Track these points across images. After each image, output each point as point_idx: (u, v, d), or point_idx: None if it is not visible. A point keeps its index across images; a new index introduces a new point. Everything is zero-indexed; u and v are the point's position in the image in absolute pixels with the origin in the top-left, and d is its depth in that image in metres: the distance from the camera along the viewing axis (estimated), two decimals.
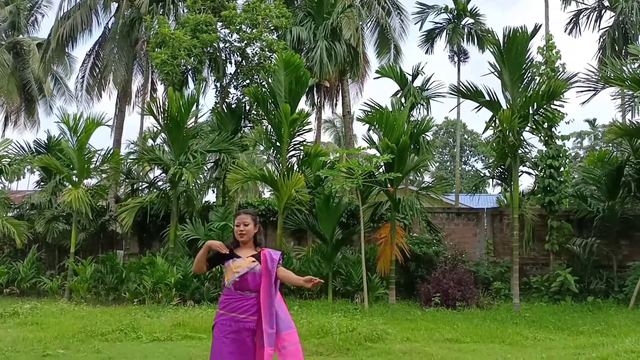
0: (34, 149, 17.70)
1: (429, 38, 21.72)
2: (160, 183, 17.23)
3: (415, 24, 22.59)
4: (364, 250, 13.49)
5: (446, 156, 48.15)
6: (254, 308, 4.27)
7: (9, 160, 16.89)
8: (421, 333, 9.50)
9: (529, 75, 13.46)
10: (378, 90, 51.01)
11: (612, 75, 13.30)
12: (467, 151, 48.39)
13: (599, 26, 21.23)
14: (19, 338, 8.40)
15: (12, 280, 15.67)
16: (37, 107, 29.95)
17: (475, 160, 49.16)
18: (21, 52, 28.03)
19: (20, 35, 29.04)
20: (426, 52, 21.79)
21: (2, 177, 17.06)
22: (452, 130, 43.43)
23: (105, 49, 21.21)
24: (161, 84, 19.80)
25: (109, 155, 16.15)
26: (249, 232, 4.38)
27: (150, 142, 20.05)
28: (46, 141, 17.65)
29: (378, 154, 14.08)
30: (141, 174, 18.56)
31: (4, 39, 28.87)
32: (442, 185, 16.58)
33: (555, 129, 14.68)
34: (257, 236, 4.44)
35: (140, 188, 17.67)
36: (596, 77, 13.81)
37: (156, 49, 17.01)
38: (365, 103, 16.06)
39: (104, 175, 17.14)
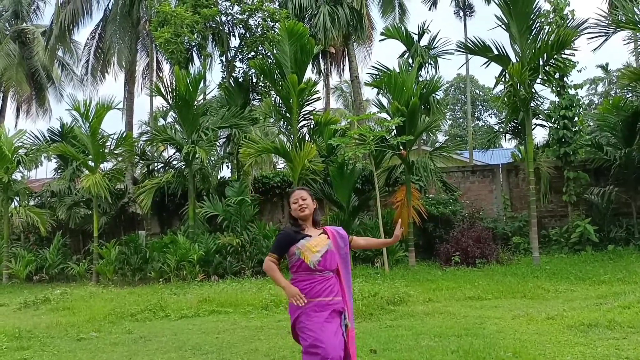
0: (48, 138, 17.91)
1: None
2: (175, 162, 17.41)
3: None
4: (380, 214, 13.57)
5: (459, 113, 47.64)
6: (336, 288, 3.96)
7: (26, 150, 17.14)
8: (443, 293, 9.62)
9: (538, 25, 13.15)
10: (386, 52, 50.35)
11: (623, 18, 12.94)
12: (480, 106, 47.80)
13: None
14: (53, 323, 8.68)
15: (41, 267, 16.12)
16: (47, 95, 30.11)
17: (488, 115, 48.62)
18: (26, 41, 28.05)
19: (24, 24, 29.01)
20: (429, 9, 21.36)
21: (21, 167, 17.33)
22: (463, 86, 42.80)
23: (107, 31, 21.12)
24: (167, 63, 19.77)
25: (122, 139, 16.29)
26: (310, 206, 4.02)
27: (161, 121, 20.18)
28: (60, 129, 17.84)
29: (389, 118, 14.00)
30: (155, 154, 18.73)
31: (8, 28, 28.87)
32: (455, 144, 16.48)
33: (567, 78, 14.40)
34: (317, 213, 4.12)
35: (156, 168, 17.86)
36: (607, 22, 13.45)
37: (159, 28, 16.91)
38: (372, 66, 15.90)
39: (119, 159, 17.33)
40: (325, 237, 4.00)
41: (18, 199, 17.20)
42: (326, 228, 4.10)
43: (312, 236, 3.97)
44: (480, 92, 46.61)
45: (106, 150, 16.14)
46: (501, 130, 17.24)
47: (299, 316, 3.87)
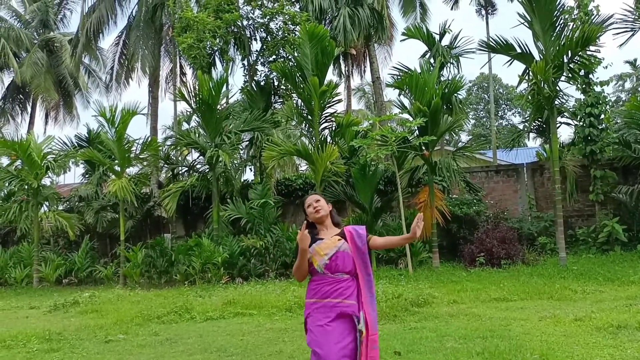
0: (76, 143, 18.28)
1: None
2: (199, 166, 17.61)
3: None
4: (403, 215, 13.52)
5: (482, 112, 47.15)
6: (349, 291, 3.79)
7: (54, 156, 17.53)
8: (467, 294, 9.54)
9: (561, 22, 12.95)
10: (407, 52, 50.01)
11: None
12: (503, 105, 47.24)
13: None
14: (82, 326, 8.87)
15: (70, 271, 16.49)
16: (74, 102, 30.74)
17: (512, 114, 48.02)
18: (54, 49, 28.68)
19: (51, 32, 29.66)
20: (451, 8, 21.20)
21: (50, 173, 17.73)
22: (486, 85, 42.36)
23: (131, 38, 21.47)
24: (190, 68, 20.00)
25: (147, 143, 16.55)
26: (324, 207, 3.95)
27: (185, 125, 20.43)
28: (86, 135, 18.20)
29: (411, 119, 13.94)
30: (180, 158, 18.98)
31: (36, 37, 29.57)
32: (479, 144, 16.33)
33: (593, 75, 14.16)
34: (333, 215, 4.03)
35: (180, 172, 18.09)
36: (633, 17, 13.20)
37: (181, 34, 17.14)
38: (393, 67, 15.88)
39: (144, 163, 17.61)
40: (337, 239, 3.87)
41: (47, 204, 17.61)
42: (346, 228, 3.97)
43: (324, 239, 3.90)
44: (504, 91, 46.07)
45: (132, 155, 16.42)
46: (525, 129, 17.01)
47: (307, 315, 3.85)
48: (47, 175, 17.49)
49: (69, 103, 30.49)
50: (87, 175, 19.23)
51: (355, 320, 3.74)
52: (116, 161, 15.97)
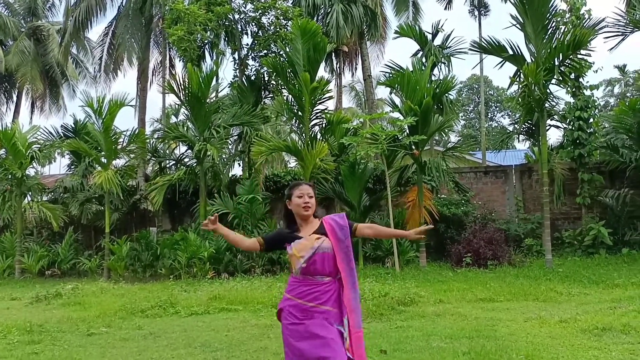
0: (62, 134, 18.04)
1: None
2: (186, 159, 17.42)
3: None
4: (392, 214, 13.51)
5: (472, 113, 47.34)
6: (326, 295, 3.52)
7: (39, 146, 17.28)
8: (454, 294, 9.54)
9: (553, 25, 13.02)
10: (399, 51, 50.10)
11: None
12: (493, 107, 47.46)
13: None
14: (64, 318, 8.73)
15: (53, 262, 16.25)
16: (61, 92, 30.38)
17: (502, 116, 48.25)
18: (41, 38, 28.29)
19: (39, 21, 29.26)
20: (445, 8, 21.22)
21: (34, 163, 17.47)
22: (477, 86, 42.53)
23: (119, 28, 21.23)
24: (179, 60, 19.83)
25: (134, 135, 16.36)
26: (314, 206, 3.65)
27: (173, 118, 20.24)
28: (73, 125, 17.97)
29: (401, 117, 13.92)
30: (167, 151, 18.78)
31: (23, 25, 29.14)
32: (468, 144, 16.37)
33: (583, 79, 14.23)
34: (315, 211, 3.73)
35: (167, 165, 17.91)
36: (624, 21, 13.27)
37: (172, 26, 16.95)
38: (385, 65, 15.84)
39: (131, 155, 17.41)
40: (314, 238, 3.57)
41: (31, 195, 17.34)
42: (325, 219, 3.66)
43: (303, 237, 3.61)
44: (494, 93, 46.29)
45: (119, 147, 16.22)
46: (515, 131, 17.08)
47: (281, 309, 3.65)
48: (31, 166, 17.23)
49: (56, 93, 30.12)
50: (72, 167, 18.98)
51: (336, 327, 3.49)
52: (102, 153, 15.77)
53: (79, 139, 16.44)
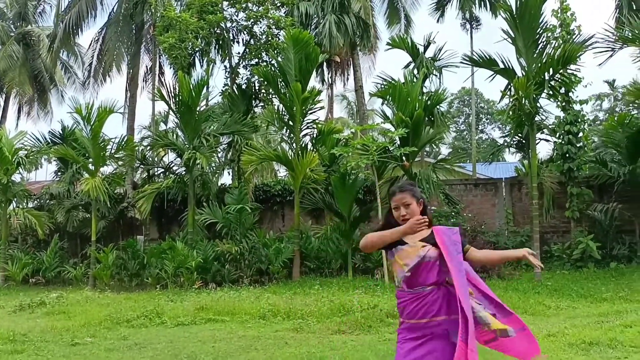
0: (49, 140, 17.83)
1: (440, 5, 21.25)
2: (175, 168, 17.32)
3: None
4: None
5: (463, 126, 47.64)
6: (436, 305, 3.21)
7: (26, 152, 17.06)
8: None
9: (544, 40, 13.10)
10: (391, 62, 50.42)
11: (630, 34, 12.89)
12: (484, 120, 47.82)
13: None
14: (48, 327, 8.57)
15: (37, 270, 16.01)
16: (49, 97, 30.12)
17: (492, 129, 48.60)
18: (31, 43, 28.08)
19: (29, 26, 29.06)
20: (437, 21, 21.36)
21: (21, 169, 17.25)
22: (468, 99, 42.83)
23: (109, 34, 21.12)
24: (170, 67, 19.75)
25: (123, 143, 16.21)
26: (414, 214, 3.27)
27: (162, 125, 20.14)
28: (60, 131, 17.78)
29: (392, 129, 13.92)
30: (156, 159, 18.66)
31: (13, 30, 28.93)
32: (459, 156, 16.41)
33: (573, 93, 14.33)
34: (425, 214, 3.33)
35: (156, 173, 17.77)
36: (613, 37, 13.39)
37: (163, 33, 16.90)
38: (377, 76, 15.87)
39: (119, 163, 17.25)
40: (421, 245, 3.25)
41: (16, 201, 17.09)
42: (435, 229, 3.31)
43: (407, 243, 3.28)
44: (485, 106, 46.64)
45: (107, 154, 16.05)
46: (505, 144, 17.16)
47: (399, 333, 3.33)
48: (17, 172, 17.00)
49: (44, 98, 29.86)
50: (59, 173, 18.76)
51: (452, 338, 3.16)
52: (90, 159, 15.60)
53: (67, 145, 16.28)
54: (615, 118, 15.04)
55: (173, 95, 15.40)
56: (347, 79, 24.79)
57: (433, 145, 18.99)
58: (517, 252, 3.33)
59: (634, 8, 17.41)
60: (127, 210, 17.48)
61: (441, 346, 3.20)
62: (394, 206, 3.36)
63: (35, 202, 18.22)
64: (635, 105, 15.70)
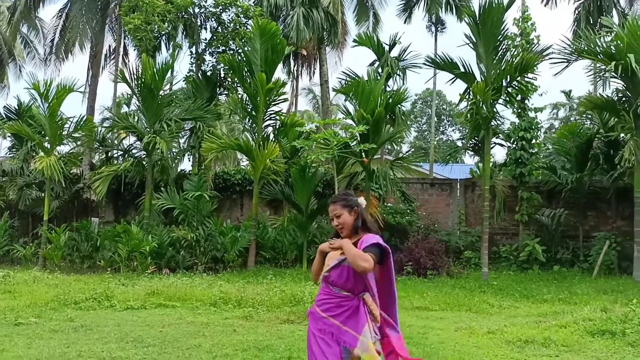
0: (4, 115, 17.30)
1: (407, 7, 21.59)
2: (135, 151, 17.07)
3: None
4: None
5: (424, 126, 48.36)
6: (338, 310, 3.42)
7: None
8: None
9: (504, 47, 13.53)
10: (358, 59, 50.72)
11: (585, 47, 13.42)
12: (445, 121, 48.65)
13: None
14: None
15: None
16: (7, 71, 29.07)
17: (452, 130, 49.52)
18: None
19: None
20: (404, 22, 21.67)
21: None
22: (431, 99, 43.52)
23: (73, 10, 20.60)
24: (134, 49, 19.42)
25: (81, 122, 15.90)
26: (346, 223, 3.50)
27: (125, 108, 19.79)
28: (16, 107, 17.26)
29: (354, 125, 14.12)
30: (116, 141, 18.34)
31: None
32: (417, 156, 16.75)
33: (529, 101, 14.87)
34: (362, 221, 3.55)
35: (115, 156, 17.49)
36: (570, 50, 13.90)
37: (129, 14, 16.61)
38: (343, 72, 16.04)
39: (77, 143, 16.91)
40: (339, 252, 3.46)
41: None
42: (363, 237, 3.47)
43: None
44: (447, 107, 47.47)
45: (64, 133, 15.72)
46: (462, 146, 17.63)
47: (308, 313, 3.63)
48: None
49: (1, 72, 28.81)
50: (13, 150, 18.25)
51: (341, 344, 3.37)
52: (47, 138, 15.25)
53: (22, 121, 15.81)
54: (567, 127, 15.64)
55: (136, 77, 15.20)
56: (314, 72, 24.92)
57: (394, 143, 19.23)
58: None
59: (591, 22, 18.11)
60: (82, 191, 17.17)
61: (336, 348, 3.38)
62: (330, 217, 3.61)
63: None
64: (588, 116, 16.33)
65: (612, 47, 13.05)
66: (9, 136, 18.45)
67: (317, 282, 3.71)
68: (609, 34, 14.06)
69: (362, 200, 3.63)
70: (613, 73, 12.67)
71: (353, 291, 3.43)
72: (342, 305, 3.41)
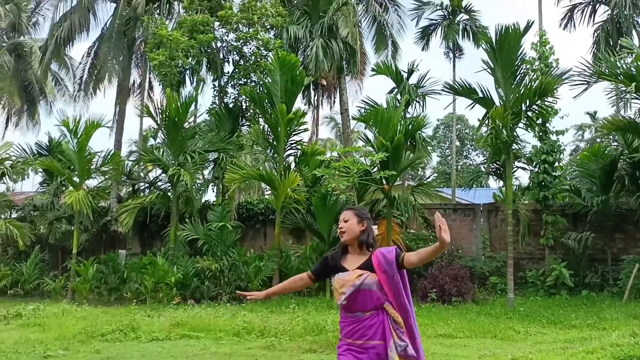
0: (35, 151, 17.92)
1: (425, 35, 21.81)
2: (160, 183, 17.46)
3: (412, 20, 22.67)
4: None
5: (447, 150, 48.19)
6: (371, 330, 3.41)
7: (11, 162, 17.14)
8: None
9: (522, 71, 13.55)
10: (378, 86, 51.02)
11: (605, 70, 13.36)
12: (469, 145, 48.42)
13: (594, 20, 21.26)
14: (21, 339, 8.63)
15: (16, 282, 15.95)
16: (38, 109, 30.16)
17: (476, 155, 49.21)
18: (22, 54, 28.22)
19: (22, 37, 29.23)
20: (422, 49, 21.88)
21: (5, 179, 17.30)
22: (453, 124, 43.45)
23: (102, 49, 21.39)
24: (159, 84, 20.01)
25: (109, 157, 16.36)
26: (350, 229, 3.52)
27: (151, 140, 20.33)
28: (47, 143, 17.89)
29: (374, 152, 14.23)
30: (142, 174, 18.77)
31: (5, 40, 29.08)
32: (439, 181, 16.71)
33: (550, 124, 14.76)
34: (366, 236, 3.54)
35: (141, 188, 17.89)
36: (590, 72, 13.86)
37: (154, 50, 17.19)
38: (362, 100, 16.25)
39: (105, 176, 17.36)
40: (357, 274, 3.44)
41: None
42: (374, 254, 3.48)
43: (349, 270, 3.50)
44: (469, 132, 47.30)
45: (92, 167, 16.18)
46: (484, 170, 17.55)
47: (339, 347, 3.54)
48: (2, 182, 17.06)
49: (33, 109, 29.89)
50: (44, 185, 18.82)
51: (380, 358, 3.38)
52: (76, 172, 15.72)
53: (53, 157, 16.38)
54: (591, 149, 15.46)
55: (160, 111, 15.64)
56: (334, 101, 25.19)
57: (418, 168, 19.29)
58: (437, 245, 3.26)
59: (611, 44, 18.04)
60: (110, 224, 17.55)
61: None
62: (339, 221, 3.63)
63: (19, 212, 18.21)
64: (611, 138, 16.14)
65: (632, 68, 12.98)
66: (40, 172, 19.03)
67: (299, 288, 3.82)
68: (629, 55, 13.99)
69: (374, 226, 3.69)
70: (634, 94, 12.57)
71: (375, 308, 3.46)
72: (371, 325, 3.42)
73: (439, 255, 12.38)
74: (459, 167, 43.15)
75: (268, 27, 18.25)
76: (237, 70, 18.07)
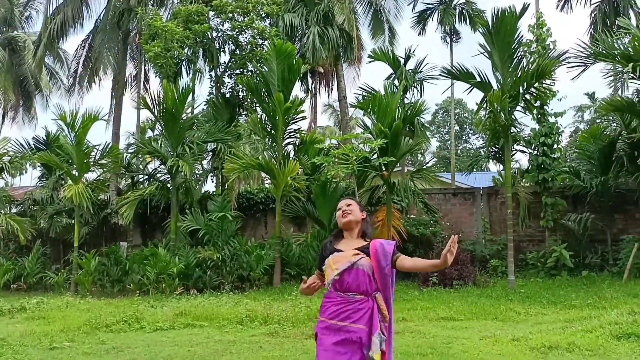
0: (33, 146, 17.89)
1: (421, 19, 21.74)
2: (159, 175, 17.46)
3: (408, 4, 22.56)
4: None
5: (447, 135, 48.18)
6: (358, 314, 3.40)
7: (9, 157, 17.13)
8: (417, 313, 9.75)
9: (519, 54, 13.52)
10: (375, 73, 50.98)
11: (603, 50, 13.31)
12: (468, 129, 48.41)
13: (591, 1, 21.15)
14: (27, 332, 8.69)
15: (19, 276, 16.01)
16: (34, 103, 30.10)
17: (476, 138, 49.20)
18: (16, 48, 28.11)
19: (15, 32, 29.07)
20: (419, 34, 21.82)
21: (4, 174, 17.29)
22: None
23: (96, 41, 21.28)
24: (155, 75, 19.94)
25: (107, 150, 16.35)
26: (355, 212, 3.61)
27: (149, 132, 20.30)
28: (45, 137, 17.85)
29: (373, 138, 14.22)
30: (141, 166, 18.77)
31: None
32: (438, 166, 16.73)
33: (548, 106, 14.76)
34: (365, 225, 3.66)
35: (140, 180, 17.90)
36: (587, 53, 13.81)
37: (149, 42, 17.10)
38: (359, 87, 16.19)
39: (104, 169, 17.37)
40: (352, 253, 3.47)
41: None
42: (373, 242, 3.54)
43: (343, 250, 3.54)
44: (468, 116, 47.27)
45: (91, 161, 16.17)
46: (483, 154, 17.55)
47: (316, 333, 3.54)
48: (1, 177, 17.05)
49: (29, 104, 29.83)
50: (43, 179, 18.82)
51: (364, 350, 3.35)
52: (74, 166, 15.72)
53: (51, 151, 16.35)
54: (589, 130, 15.46)
55: (157, 103, 15.60)
56: (332, 89, 25.14)
57: (418, 154, 19.29)
58: (438, 261, 3.34)
59: (608, 24, 17.96)
60: (110, 216, 17.58)
61: (357, 357, 3.37)
62: (338, 207, 3.73)
63: (19, 207, 18.24)
64: (610, 118, 16.13)
65: (629, 48, 12.94)
66: (38, 166, 19.01)
67: (311, 294, 3.71)
68: (626, 35, 13.93)
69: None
70: (632, 74, 12.54)
71: (367, 293, 3.46)
72: (359, 309, 3.41)
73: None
74: (459, 151, 43.19)
75: (263, 15, 18.13)
76: (233, 59, 17.99)
